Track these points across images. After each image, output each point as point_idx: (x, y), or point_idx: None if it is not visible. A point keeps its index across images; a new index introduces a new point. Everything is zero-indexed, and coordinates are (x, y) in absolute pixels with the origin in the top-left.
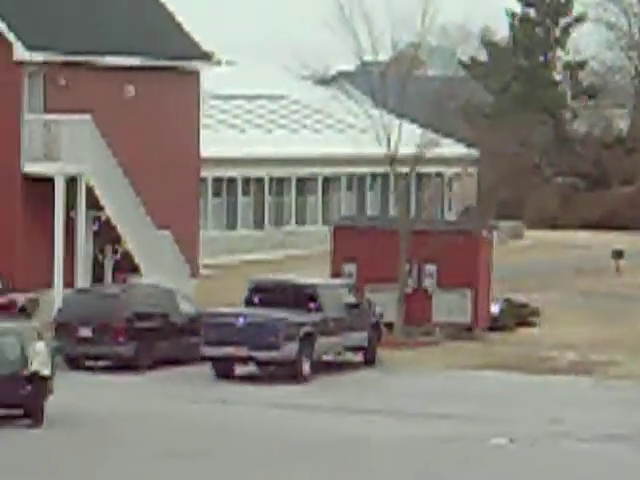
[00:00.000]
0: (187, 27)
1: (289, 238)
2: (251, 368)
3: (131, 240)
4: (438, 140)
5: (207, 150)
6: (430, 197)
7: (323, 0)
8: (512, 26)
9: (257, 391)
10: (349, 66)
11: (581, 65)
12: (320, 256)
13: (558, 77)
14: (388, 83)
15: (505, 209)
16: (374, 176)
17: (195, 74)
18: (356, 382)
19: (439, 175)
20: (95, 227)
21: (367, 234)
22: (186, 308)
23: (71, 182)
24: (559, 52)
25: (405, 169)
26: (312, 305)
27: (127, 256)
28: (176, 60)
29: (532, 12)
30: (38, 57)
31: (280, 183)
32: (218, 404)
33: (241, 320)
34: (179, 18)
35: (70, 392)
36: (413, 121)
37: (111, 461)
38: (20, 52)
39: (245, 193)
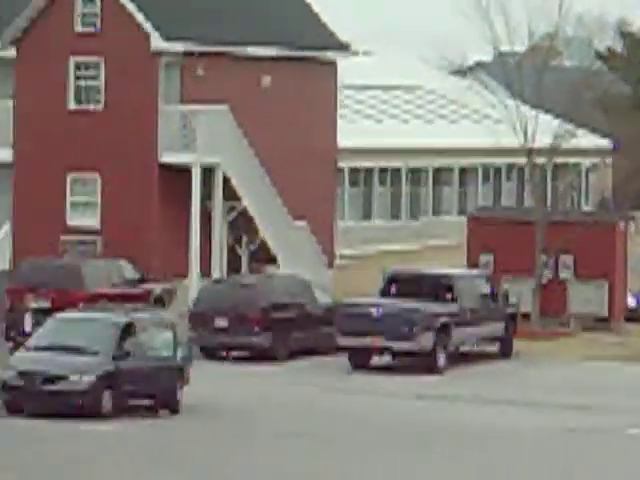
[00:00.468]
0: (324, 17)
1: (425, 228)
2: (387, 358)
3: (267, 231)
4: (574, 131)
5: (344, 140)
6: (566, 188)
7: None
8: None
9: (392, 382)
10: (485, 56)
11: None
12: (456, 247)
13: None
14: (524, 73)
15: None
16: (510, 167)
17: (332, 65)
18: (492, 373)
19: (576, 166)
20: (231, 217)
21: (503, 225)
22: (322, 298)
23: (207, 172)
24: None
25: (541, 160)
26: (448, 296)
27: (263, 246)
28: (313, 51)
29: None
30: (176, 47)
31: (417, 173)
32: (354, 394)
33: (377, 310)
34: (316, 8)
35: (206, 382)
36: (548, 112)
37: (248, 450)
38: (158, 42)
39: (381, 183)
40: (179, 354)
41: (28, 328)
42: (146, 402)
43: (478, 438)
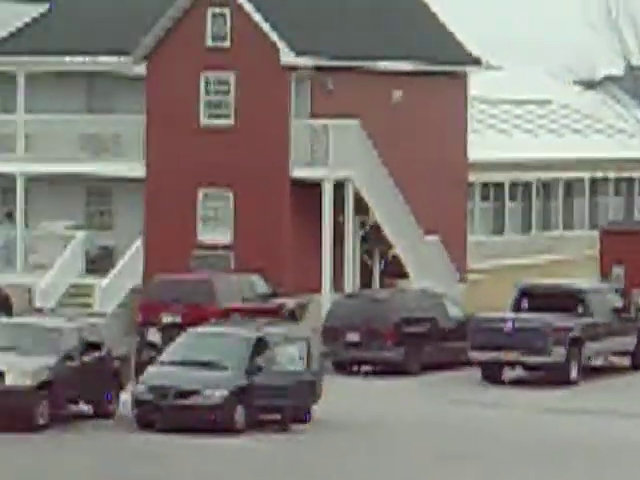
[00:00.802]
0: (454, 31)
1: (556, 242)
2: (519, 372)
3: (399, 245)
4: None
5: (474, 154)
6: None
7: (589, 2)
8: None
9: (525, 395)
10: (615, 70)
11: None
12: (587, 260)
13: None
14: None
15: None
16: None
17: (463, 78)
18: (624, 386)
19: None
20: (363, 232)
21: (635, 238)
22: (454, 313)
23: (338, 186)
24: None
25: None
26: (580, 309)
27: (395, 261)
28: (444, 65)
29: None
30: (306, 62)
31: (547, 187)
32: (486, 408)
33: (509, 325)
34: (445, 20)
35: (339, 397)
36: None
37: (382, 465)
38: (288, 57)
39: (512, 197)
40: (312, 368)
41: (159, 343)
42: (277, 417)
43: (613, 452)
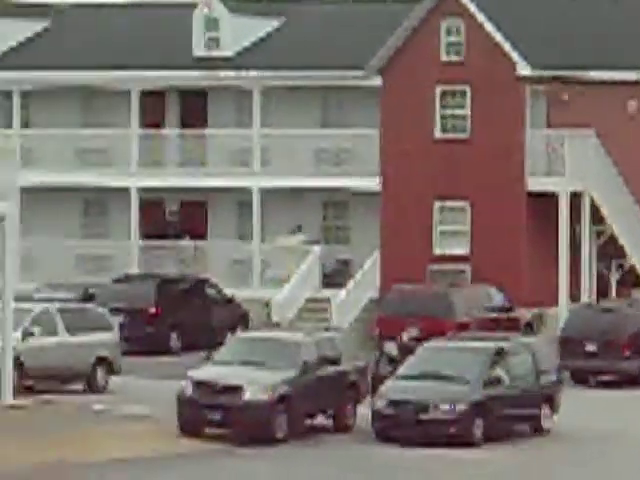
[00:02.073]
0: None
1: None
2: None
3: (636, 255)
4: None
5: None
6: None
7: None
8: None
9: None
10: None
11: None
12: None
13: None
14: None
15: None
16: None
17: None
18: None
19: None
20: (600, 242)
21: None
22: None
23: (575, 197)
24: None
25: None
26: None
27: (632, 271)
28: None
29: None
30: (541, 73)
31: None
32: None
33: None
34: None
35: (576, 408)
36: None
37: (614, 477)
38: (523, 69)
39: None
40: (543, 379)
41: (397, 357)
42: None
43: None
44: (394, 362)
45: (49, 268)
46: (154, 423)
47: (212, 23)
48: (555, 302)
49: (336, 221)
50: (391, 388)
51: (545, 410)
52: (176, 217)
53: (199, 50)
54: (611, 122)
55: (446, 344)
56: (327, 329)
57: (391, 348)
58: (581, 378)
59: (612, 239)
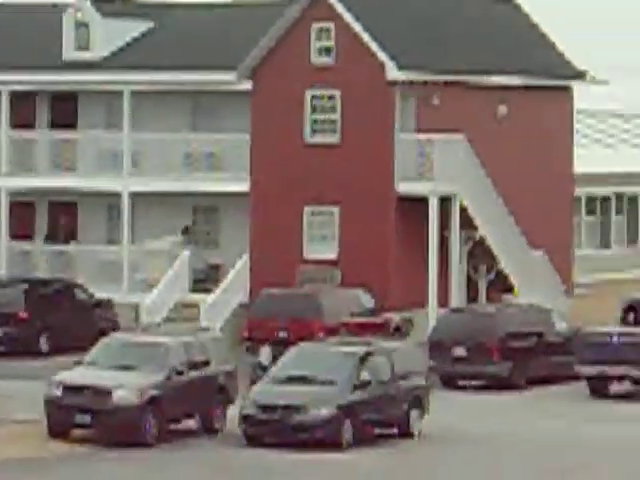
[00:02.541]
0: (558, 45)
1: None
2: (626, 386)
3: (505, 260)
4: None
5: (580, 168)
6: None
7: None
8: None
9: (633, 409)
10: None
11: None
12: None
13: None
14: None
15: None
16: None
17: (568, 93)
18: None
19: None
20: (468, 246)
21: None
22: (561, 327)
23: (445, 201)
24: None
25: None
26: None
27: (501, 275)
28: (550, 79)
29: None
30: (410, 77)
31: None
32: (594, 422)
33: (616, 339)
34: (550, 36)
35: (445, 411)
36: None
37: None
38: (393, 72)
39: (618, 211)
40: (411, 383)
41: (265, 360)
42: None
43: None
44: (262, 365)
45: None
46: (21, 425)
47: (82, 26)
48: (424, 306)
49: (206, 225)
50: (260, 392)
51: (413, 413)
52: (65, 222)
53: (69, 53)
54: (481, 126)
55: (315, 347)
56: (197, 331)
57: (265, 355)
58: (450, 382)
59: (482, 243)
